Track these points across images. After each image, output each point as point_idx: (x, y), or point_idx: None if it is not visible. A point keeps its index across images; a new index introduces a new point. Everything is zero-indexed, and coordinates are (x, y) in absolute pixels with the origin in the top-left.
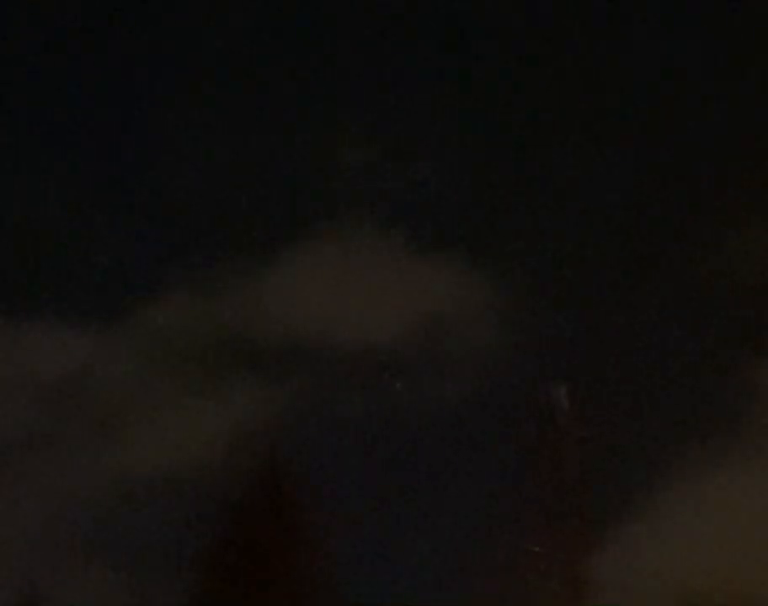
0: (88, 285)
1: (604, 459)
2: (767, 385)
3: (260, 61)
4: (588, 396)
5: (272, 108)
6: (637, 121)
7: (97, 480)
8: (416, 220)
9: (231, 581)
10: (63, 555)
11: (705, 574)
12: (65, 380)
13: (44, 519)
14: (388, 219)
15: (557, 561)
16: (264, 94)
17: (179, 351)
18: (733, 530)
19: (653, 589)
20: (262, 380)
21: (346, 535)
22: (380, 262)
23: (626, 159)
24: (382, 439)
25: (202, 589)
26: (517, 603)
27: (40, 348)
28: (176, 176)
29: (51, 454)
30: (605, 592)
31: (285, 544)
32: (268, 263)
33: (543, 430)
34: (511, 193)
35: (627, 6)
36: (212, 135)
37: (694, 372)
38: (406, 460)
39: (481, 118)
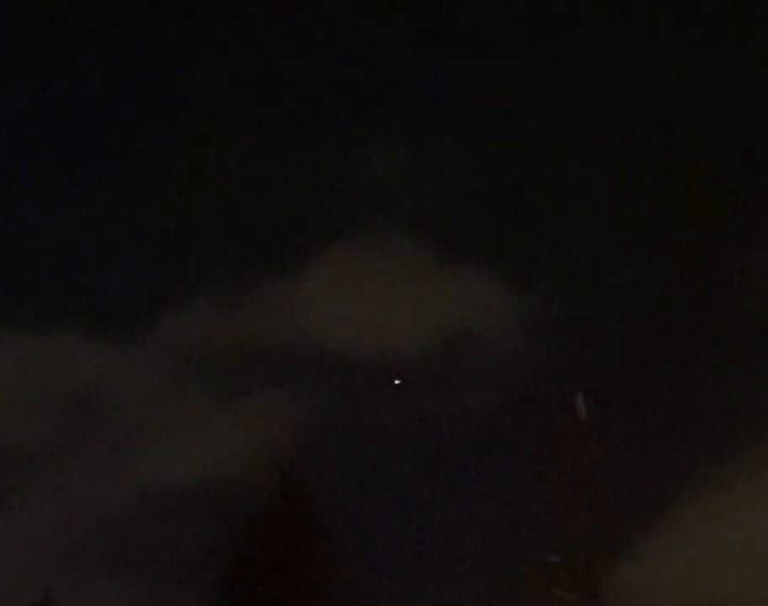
0: (111, 297)
1: (625, 470)
2: None
3: (292, 73)
4: (607, 405)
5: (302, 118)
6: (660, 133)
7: (115, 490)
8: (443, 232)
9: (249, 591)
10: (80, 563)
11: (727, 586)
12: (86, 392)
13: (61, 528)
14: (415, 230)
15: (579, 573)
16: (293, 105)
17: (201, 362)
18: (758, 543)
19: (675, 601)
20: (286, 391)
21: (366, 544)
22: (406, 273)
23: (648, 172)
24: (404, 449)
25: (219, 598)
26: None
27: (61, 359)
28: (201, 187)
29: (71, 464)
30: (627, 604)
31: (305, 553)
32: (294, 275)
33: (562, 439)
34: (537, 207)
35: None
36: (240, 146)
37: (716, 383)
38: (428, 470)
39: (510, 134)
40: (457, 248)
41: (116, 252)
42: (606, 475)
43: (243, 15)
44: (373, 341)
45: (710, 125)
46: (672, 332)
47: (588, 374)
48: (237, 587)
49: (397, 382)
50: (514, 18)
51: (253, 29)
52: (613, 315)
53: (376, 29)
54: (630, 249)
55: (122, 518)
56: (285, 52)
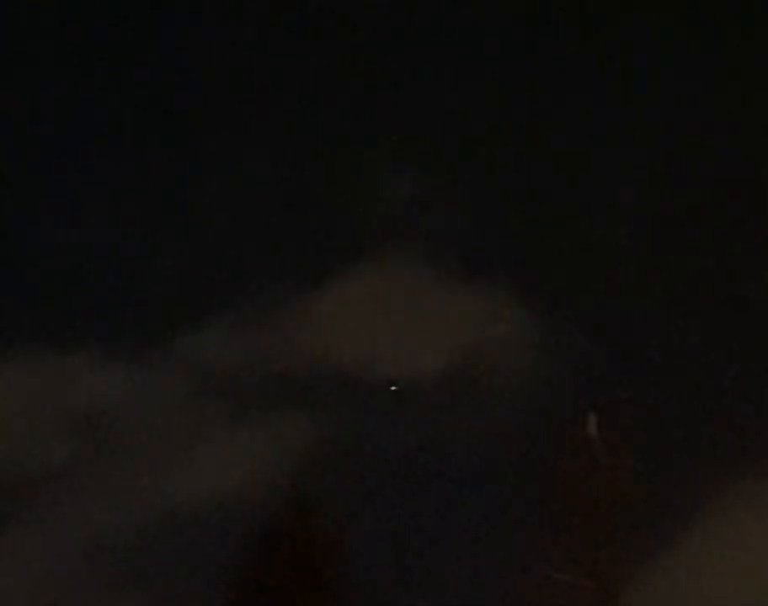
0: (127, 317)
1: (638, 490)
2: None
3: (308, 96)
4: (621, 426)
5: (317, 141)
6: (679, 150)
7: (129, 510)
8: (459, 253)
9: None
10: (93, 583)
11: None
12: (100, 412)
13: (75, 549)
14: (431, 251)
15: (592, 592)
16: (309, 128)
17: (217, 383)
18: None
19: None
20: (303, 411)
21: (378, 566)
22: (423, 293)
23: (665, 190)
24: (417, 470)
25: None
26: None
27: (76, 379)
28: (219, 208)
29: (86, 483)
30: None
31: (316, 575)
32: (310, 295)
33: (575, 459)
34: (553, 227)
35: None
36: (258, 168)
37: (734, 399)
38: (441, 491)
39: (525, 154)
40: (473, 270)
41: (132, 272)
42: (620, 494)
43: (254, 39)
44: (387, 362)
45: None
46: (688, 350)
47: (599, 393)
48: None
49: (393, 388)
50: (528, 41)
51: (265, 54)
52: (629, 333)
53: (390, 54)
54: (646, 267)
55: (135, 539)
56: (298, 75)
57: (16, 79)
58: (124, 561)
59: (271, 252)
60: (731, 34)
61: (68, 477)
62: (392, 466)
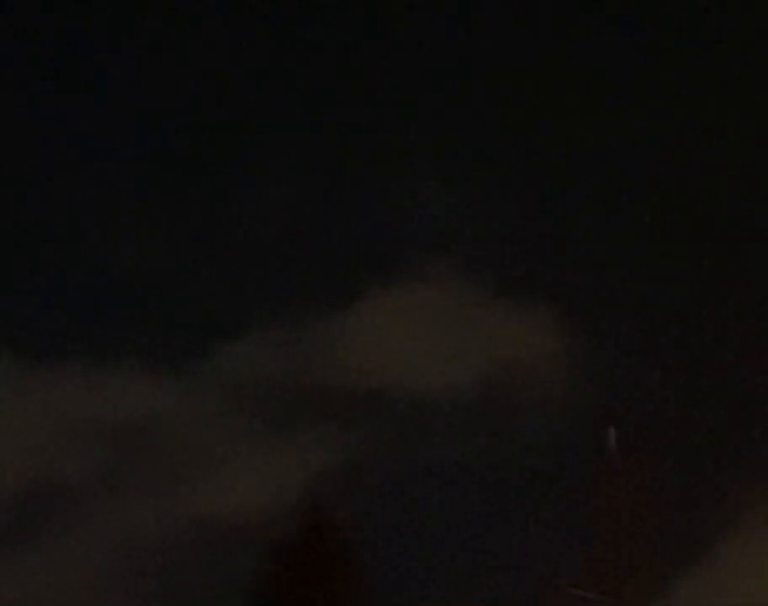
0: (162, 330)
1: (661, 508)
2: None
3: (341, 109)
4: (641, 441)
5: (358, 154)
6: (695, 175)
7: (160, 522)
8: (495, 268)
9: None
10: (129, 591)
11: None
12: (134, 424)
13: (109, 559)
14: (468, 266)
15: None
16: (349, 141)
17: (253, 396)
18: None
19: None
20: (337, 425)
21: (401, 582)
22: (458, 308)
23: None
24: (447, 486)
25: None
26: None
27: (111, 391)
28: (258, 221)
29: (123, 494)
30: None
31: (340, 591)
32: (347, 308)
33: (596, 474)
34: (591, 243)
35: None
36: (292, 184)
37: (756, 421)
38: (467, 507)
39: (563, 171)
40: (510, 284)
41: (169, 285)
42: (641, 513)
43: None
44: (422, 378)
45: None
46: (714, 369)
47: (623, 410)
48: None
49: None
50: (567, 55)
51: (298, 70)
52: (653, 347)
53: (431, 66)
54: (673, 283)
55: (164, 549)
56: (334, 90)
57: (64, 98)
58: (152, 571)
59: (306, 267)
60: None
61: (102, 488)
62: (425, 480)
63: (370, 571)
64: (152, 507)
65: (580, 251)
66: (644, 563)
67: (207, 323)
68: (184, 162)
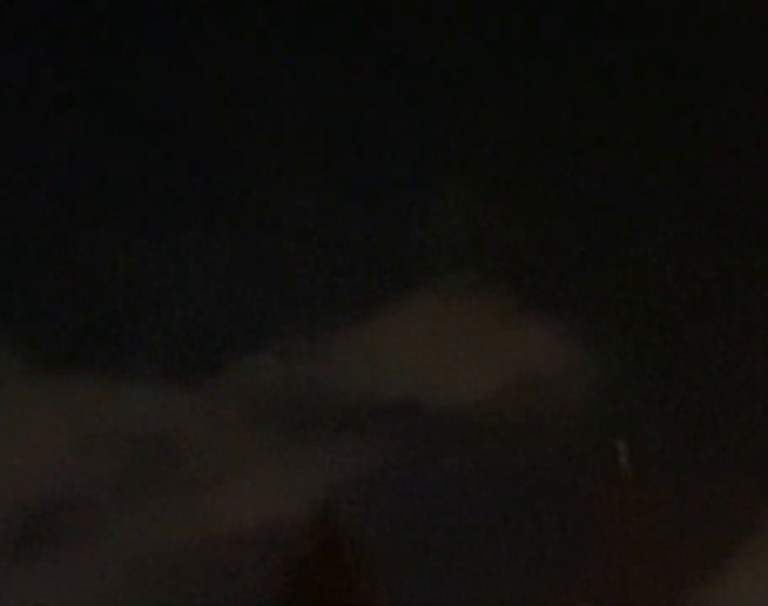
0: (180, 342)
1: (673, 521)
2: None
3: (368, 122)
4: (653, 456)
5: (380, 166)
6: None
7: (177, 534)
8: (513, 281)
9: None
10: (144, 602)
11: None
12: (151, 436)
13: (128, 568)
14: (486, 279)
15: None
16: (370, 153)
17: (272, 409)
18: None
19: None
20: (356, 437)
21: (419, 587)
22: (476, 321)
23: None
24: (466, 498)
25: None
26: None
27: (134, 402)
28: (277, 234)
29: (139, 506)
30: None
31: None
32: (363, 322)
33: (609, 489)
34: (607, 258)
35: None
36: (315, 192)
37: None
38: (485, 518)
39: (579, 185)
40: (527, 298)
41: (188, 297)
42: (652, 526)
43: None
44: (441, 392)
45: None
46: (729, 384)
47: (632, 422)
48: None
49: None
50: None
51: (325, 84)
52: (666, 361)
53: (447, 87)
54: (696, 306)
55: (180, 562)
56: (356, 108)
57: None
58: (167, 584)
59: (326, 279)
60: None
61: (117, 500)
62: (441, 493)
63: (386, 584)
64: (168, 520)
65: (601, 267)
66: (655, 576)
67: (224, 336)
68: (204, 173)
